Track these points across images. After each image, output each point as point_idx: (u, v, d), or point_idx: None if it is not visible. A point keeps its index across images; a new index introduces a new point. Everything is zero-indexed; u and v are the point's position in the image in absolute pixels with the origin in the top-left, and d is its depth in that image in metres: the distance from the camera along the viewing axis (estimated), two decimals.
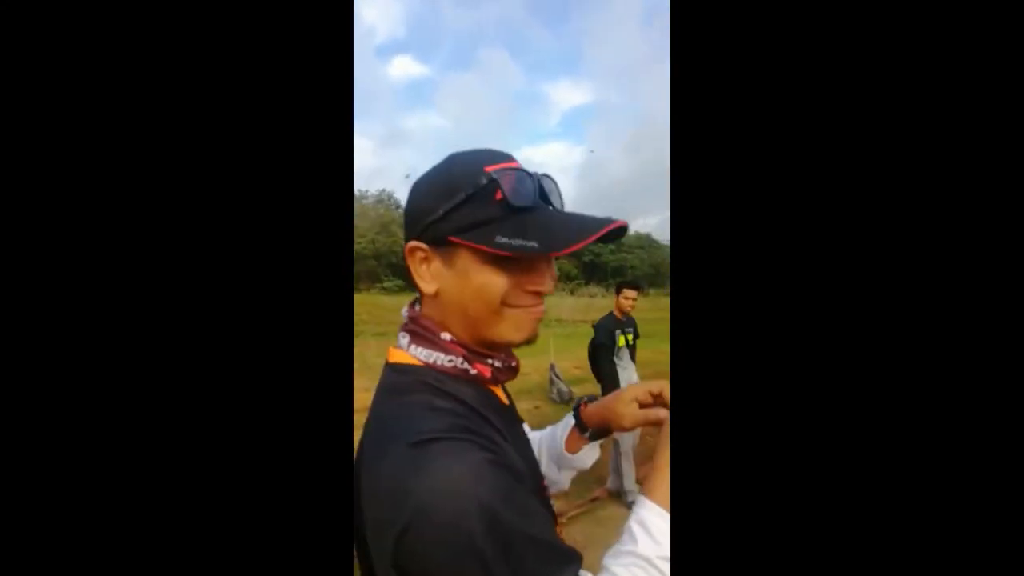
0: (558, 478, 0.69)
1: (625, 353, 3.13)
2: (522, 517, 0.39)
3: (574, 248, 0.43)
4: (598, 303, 18.09)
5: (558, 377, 6.23)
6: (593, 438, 0.67)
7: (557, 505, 0.60)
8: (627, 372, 3.12)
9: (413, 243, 0.49)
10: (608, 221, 0.44)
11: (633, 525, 0.45)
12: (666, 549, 0.43)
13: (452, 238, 0.46)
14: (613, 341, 3.04)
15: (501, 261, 0.46)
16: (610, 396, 0.63)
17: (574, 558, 0.41)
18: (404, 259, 0.50)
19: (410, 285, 0.51)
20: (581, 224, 0.45)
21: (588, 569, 0.41)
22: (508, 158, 0.49)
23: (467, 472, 0.38)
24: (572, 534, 2.61)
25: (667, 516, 0.44)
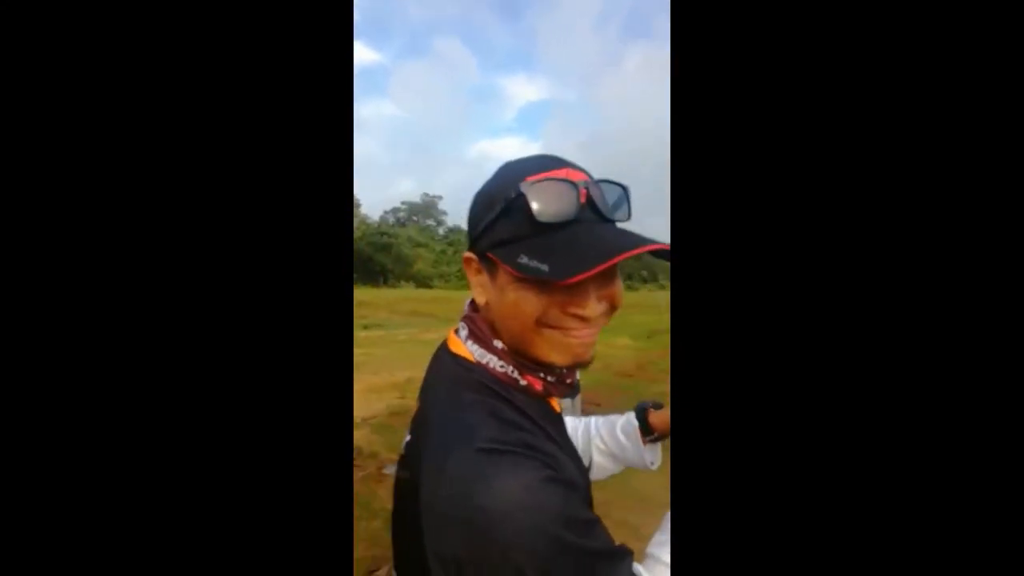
0: (611, 467, 0.73)
1: None
2: (580, 531, 0.40)
3: (586, 276, 0.40)
4: None
5: None
6: (654, 441, 0.71)
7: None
8: None
9: (466, 254, 0.50)
10: (637, 244, 0.42)
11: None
12: None
13: (489, 254, 0.46)
14: None
15: (535, 280, 0.43)
16: None
17: (627, 555, 0.43)
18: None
19: None
20: (602, 247, 0.42)
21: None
22: (560, 165, 0.46)
23: (531, 490, 0.39)
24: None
25: None
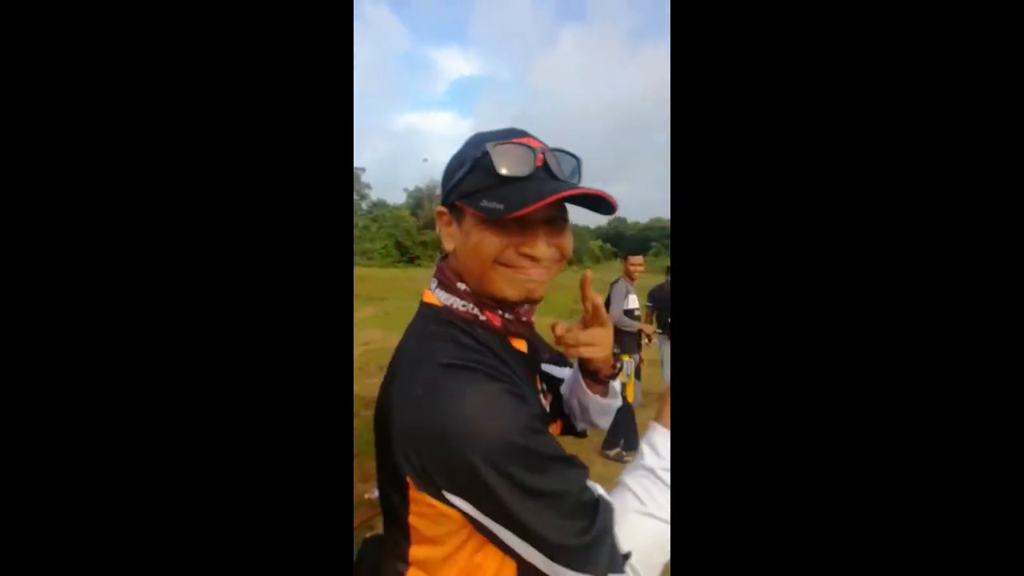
0: (596, 421, 0.75)
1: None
2: (532, 437, 0.46)
3: (531, 209, 0.48)
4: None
5: None
6: (601, 382, 0.71)
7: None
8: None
9: (438, 208, 0.59)
10: (577, 187, 0.51)
11: (644, 446, 0.54)
12: (668, 462, 0.51)
13: (457, 202, 0.55)
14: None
15: (496, 223, 0.52)
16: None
17: (581, 467, 0.49)
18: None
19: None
20: (548, 190, 0.49)
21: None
22: (522, 135, 0.55)
23: (487, 397, 0.46)
24: None
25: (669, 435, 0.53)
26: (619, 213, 0.58)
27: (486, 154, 0.52)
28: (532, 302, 0.57)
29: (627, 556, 0.47)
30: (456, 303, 0.57)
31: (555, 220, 0.54)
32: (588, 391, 0.71)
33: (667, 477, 0.50)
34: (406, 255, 32.36)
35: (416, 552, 0.54)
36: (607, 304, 3.31)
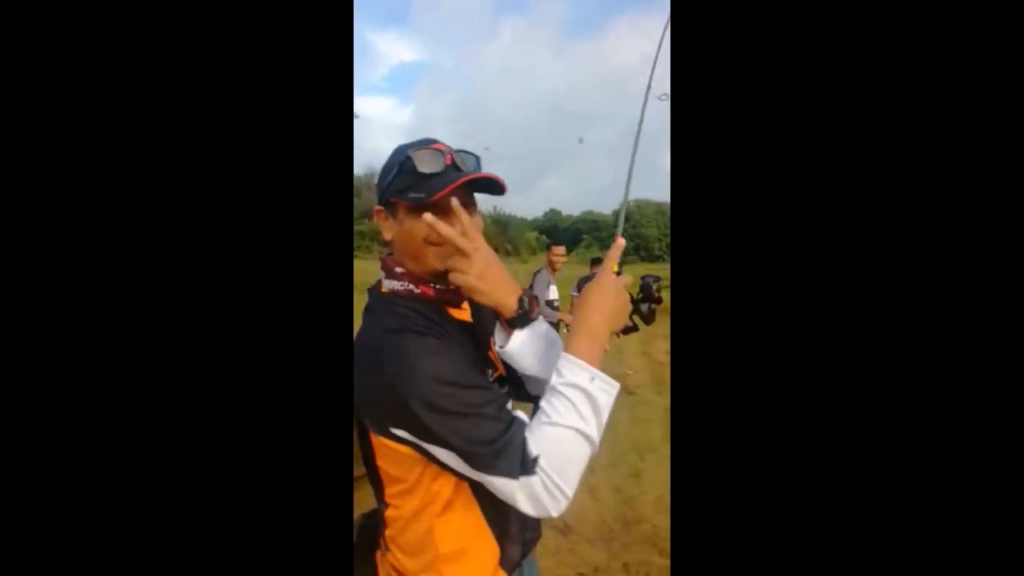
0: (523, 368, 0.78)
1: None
2: (467, 383, 0.59)
3: (444, 192, 0.61)
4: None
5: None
6: (520, 324, 0.73)
7: None
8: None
9: (376, 208, 0.72)
10: (475, 173, 0.65)
11: (552, 371, 0.62)
12: (568, 378, 0.59)
13: (391, 199, 0.68)
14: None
15: (421, 210, 0.63)
16: None
17: (498, 393, 0.62)
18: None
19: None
20: (454, 179, 0.63)
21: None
22: (434, 142, 0.69)
23: (426, 349, 0.59)
24: None
25: (577, 360, 0.61)
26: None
27: (408, 158, 0.65)
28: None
29: (536, 459, 0.57)
30: (396, 285, 0.70)
31: (467, 205, 0.66)
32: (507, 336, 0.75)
33: (569, 392, 0.59)
34: None
35: (389, 491, 0.69)
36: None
